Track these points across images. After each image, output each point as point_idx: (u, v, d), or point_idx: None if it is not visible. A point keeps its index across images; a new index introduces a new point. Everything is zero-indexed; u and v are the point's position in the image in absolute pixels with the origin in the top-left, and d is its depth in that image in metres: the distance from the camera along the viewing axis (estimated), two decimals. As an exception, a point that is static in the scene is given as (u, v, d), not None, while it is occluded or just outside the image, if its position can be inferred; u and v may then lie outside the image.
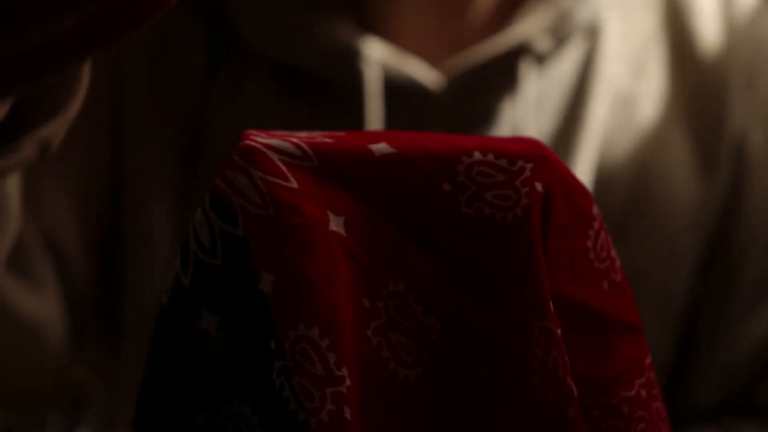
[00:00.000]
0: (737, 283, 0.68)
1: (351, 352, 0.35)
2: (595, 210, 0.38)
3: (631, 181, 0.67)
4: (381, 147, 0.36)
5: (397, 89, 0.63)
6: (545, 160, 0.37)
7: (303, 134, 0.37)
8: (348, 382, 0.35)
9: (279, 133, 0.37)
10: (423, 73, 0.64)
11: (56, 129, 0.43)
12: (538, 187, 0.36)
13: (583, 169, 0.66)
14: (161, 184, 0.66)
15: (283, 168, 0.36)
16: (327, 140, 0.37)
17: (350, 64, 0.63)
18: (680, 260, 0.67)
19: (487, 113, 0.65)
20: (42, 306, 0.64)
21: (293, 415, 0.34)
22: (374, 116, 0.63)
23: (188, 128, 0.66)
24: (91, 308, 0.68)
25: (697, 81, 0.68)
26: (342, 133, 0.37)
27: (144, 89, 0.66)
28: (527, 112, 0.64)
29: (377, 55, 0.63)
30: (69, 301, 0.66)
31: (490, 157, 0.37)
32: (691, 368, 0.69)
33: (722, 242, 0.68)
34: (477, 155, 0.37)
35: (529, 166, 0.36)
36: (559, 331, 0.36)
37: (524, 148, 0.37)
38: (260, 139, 0.36)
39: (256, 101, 0.65)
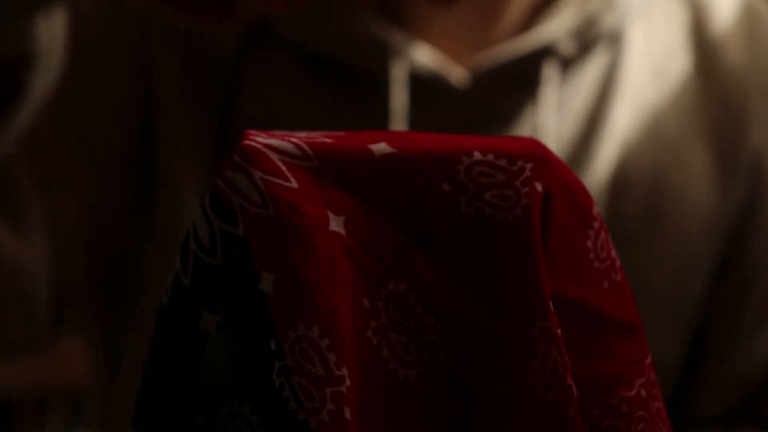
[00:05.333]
0: (750, 294, 0.68)
1: (351, 352, 0.35)
2: (595, 210, 0.38)
3: (649, 188, 0.67)
4: (381, 147, 0.36)
5: (423, 84, 0.64)
6: (545, 160, 0.37)
7: (303, 134, 0.37)
8: (348, 382, 0.34)
9: (279, 133, 0.37)
10: (449, 69, 0.64)
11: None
12: (538, 187, 0.36)
13: (602, 174, 0.66)
14: (191, 166, 0.66)
15: (283, 168, 0.36)
16: (327, 140, 0.37)
17: (378, 55, 0.64)
18: (694, 269, 0.67)
19: (510, 112, 0.65)
20: (27, 253, 0.64)
21: (293, 415, 0.34)
22: (399, 109, 0.63)
23: (218, 112, 0.67)
24: (83, 277, 0.68)
25: (718, 94, 0.68)
26: (342, 133, 0.37)
27: (176, 72, 0.66)
28: (549, 114, 0.65)
29: (404, 48, 0.64)
30: (57, 258, 0.66)
31: (490, 157, 0.36)
32: (700, 376, 0.69)
33: (736, 253, 0.68)
34: (477, 155, 0.36)
35: (529, 166, 0.36)
36: (559, 331, 0.35)
37: (524, 148, 0.37)
38: (260, 139, 0.36)
39: (284, 87, 0.66)
